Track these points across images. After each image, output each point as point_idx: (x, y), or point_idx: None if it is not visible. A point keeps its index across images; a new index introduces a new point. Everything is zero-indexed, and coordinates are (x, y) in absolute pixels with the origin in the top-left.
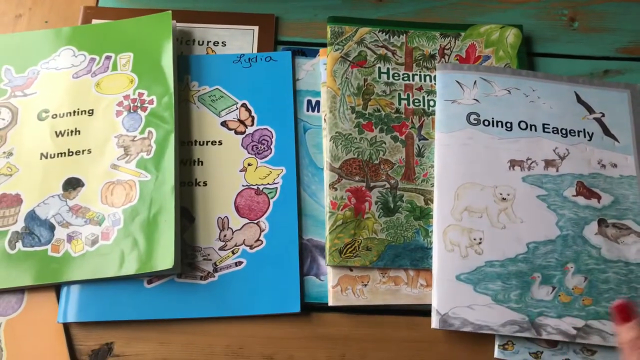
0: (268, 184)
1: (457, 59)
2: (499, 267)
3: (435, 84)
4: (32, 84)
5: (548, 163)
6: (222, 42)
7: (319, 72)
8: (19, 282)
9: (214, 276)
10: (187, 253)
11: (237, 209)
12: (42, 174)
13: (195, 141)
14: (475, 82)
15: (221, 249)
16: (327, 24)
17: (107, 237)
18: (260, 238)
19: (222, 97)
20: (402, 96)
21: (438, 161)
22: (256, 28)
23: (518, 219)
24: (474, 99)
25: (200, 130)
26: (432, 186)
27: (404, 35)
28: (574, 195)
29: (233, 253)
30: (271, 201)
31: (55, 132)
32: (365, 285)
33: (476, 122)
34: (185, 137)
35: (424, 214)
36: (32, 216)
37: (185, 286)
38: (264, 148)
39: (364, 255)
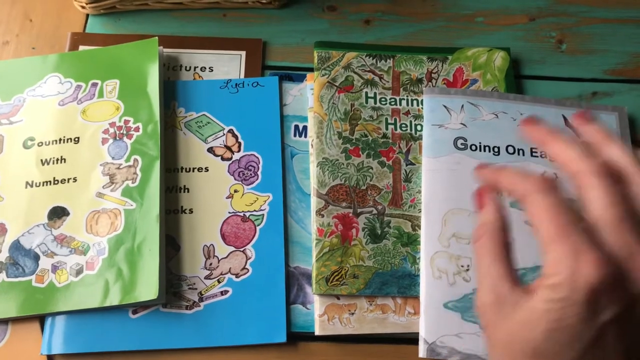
0: (254, 210)
1: (444, 83)
2: None
3: (422, 108)
4: (17, 111)
5: None
6: (209, 68)
7: (306, 97)
8: (3, 313)
9: (200, 305)
10: (173, 282)
11: (223, 236)
12: (27, 203)
13: (182, 168)
14: (462, 106)
15: (207, 277)
16: (314, 49)
17: (92, 267)
18: (246, 266)
19: (208, 123)
20: (389, 121)
21: (425, 186)
22: (243, 53)
23: None
24: (461, 124)
25: (186, 156)
26: (420, 212)
27: (391, 59)
28: None
29: (219, 282)
30: (257, 228)
31: (41, 160)
32: (353, 313)
33: (463, 146)
34: (172, 164)
35: (412, 240)
36: (16, 246)
37: (170, 316)
38: (251, 174)
39: (351, 284)
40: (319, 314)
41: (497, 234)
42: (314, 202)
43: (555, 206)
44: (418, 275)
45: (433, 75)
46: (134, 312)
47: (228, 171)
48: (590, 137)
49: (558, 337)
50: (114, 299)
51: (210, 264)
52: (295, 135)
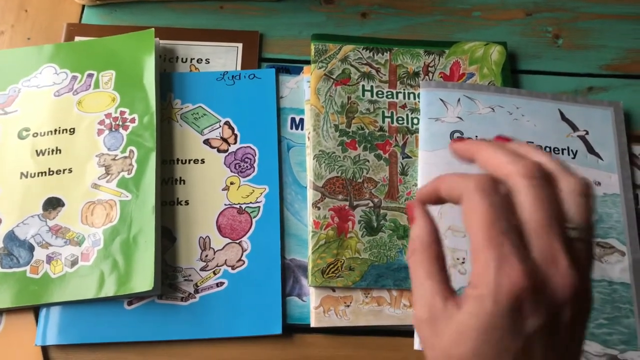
0: (250, 202)
1: (441, 77)
2: None
3: (419, 101)
4: (12, 102)
5: None
6: (206, 60)
7: (303, 89)
8: None
9: (195, 297)
10: (168, 274)
11: (219, 228)
12: (22, 194)
13: (178, 159)
14: (459, 100)
15: (202, 269)
16: (311, 42)
17: (87, 258)
18: (242, 258)
19: (205, 115)
20: (386, 114)
21: (422, 180)
22: (240, 45)
23: None
24: (458, 117)
25: (182, 148)
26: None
27: (388, 52)
28: None
29: (214, 273)
30: (254, 220)
31: (36, 151)
32: (348, 306)
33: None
34: (168, 156)
35: (408, 233)
36: (11, 237)
37: (165, 307)
38: (247, 166)
39: (347, 276)
40: (314, 306)
41: (429, 248)
42: (310, 195)
43: (486, 211)
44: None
45: (430, 68)
46: (129, 304)
47: (224, 163)
48: (517, 148)
49: (486, 351)
50: (109, 290)
51: (206, 256)
52: (291, 128)
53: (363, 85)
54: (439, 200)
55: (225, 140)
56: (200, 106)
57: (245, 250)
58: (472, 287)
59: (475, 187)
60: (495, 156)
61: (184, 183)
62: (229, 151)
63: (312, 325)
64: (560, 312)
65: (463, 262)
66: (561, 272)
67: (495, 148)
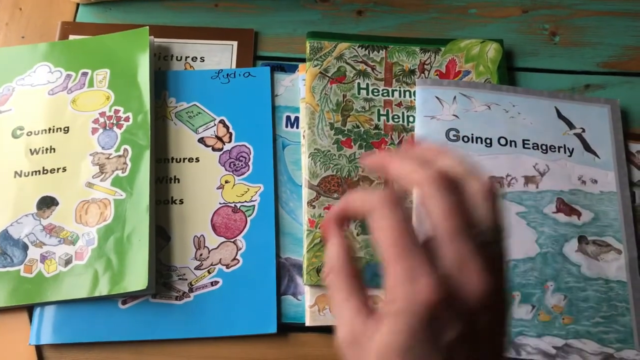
0: (245, 201)
1: (437, 74)
2: None
3: (414, 99)
4: (6, 100)
5: (528, 179)
6: (201, 58)
7: (298, 87)
8: None
9: (190, 296)
10: (162, 273)
11: (213, 227)
12: (15, 193)
13: (172, 158)
14: (454, 98)
15: (197, 268)
16: (306, 40)
17: (81, 257)
18: (236, 257)
19: (199, 113)
20: (382, 112)
21: None
22: (235, 43)
23: None
24: (454, 115)
25: (177, 147)
26: (411, 203)
27: (384, 50)
28: (554, 212)
29: (209, 272)
30: (248, 219)
31: (30, 150)
32: None
33: (455, 138)
34: (162, 154)
35: None
36: (4, 236)
37: (160, 306)
38: (242, 165)
39: None
40: (309, 304)
41: (345, 267)
42: (306, 193)
43: (394, 225)
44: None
45: (426, 66)
46: (124, 303)
47: (219, 162)
48: (424, 153)
49: None
50: (103, 289)
51: (201, 255)
52: (286, 126)
53: (358, 83)
54: (350, 216)
55: (220, 138)
56: (194, 104)
57: (240, 249)
58: (388, 302)
59: (382, 201)
60: (401, 166)
61: (178, 182)
62: (224, 150)
63: (307, 324)
64: (477, 318)
65: None
66: (473, 278)
67: (402, 158)
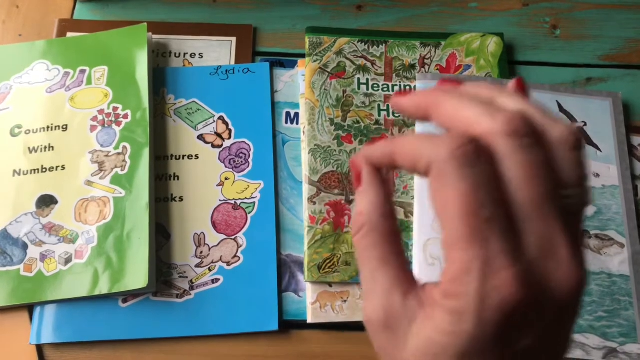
0: (246, 198)
1: (437, 69)
2: None
3: None
4: (4, 99)
5: None
6: (199, 54)
7: (298, 83)
8: None
9: (190, 294)
10: (163, 270)
11: (214, 224)
12: (14, 192)
13: (172, 155)
14: None
15: (197, 266)
16: (306, 35)
17: (81, 256)
18: (237, 254)
19: (198, 110)
20: (382, 107)
21: None
22: (234, 39)
23: None
24: None
25: (176, 144)
26: (412, 199)
27: (384, 45)
28: None
29: (210, 270)
30: (249, 216)
31: (29, 148)
32: (345, 301)
33: None
34: (161, 152)
35: (404, 227)
36: (4, 235)
37: (160, 305)
38: (242, 162)
39: (344, 271)
40: (311, 301)
41: (381, 224)
42: (306, 190)
43: (467, 192)
44: (411, 262)
45: (426, 61)
46: (124, 301)
47: (219, 158)
48: (479, 93)
49: None
50: (103, 288)
51: (201, 252)
52: (286, 122)
53: (358, 79)
54: (392, 167)
55: (219, 135)
56: (194, 101)
57: (241, 246)
58: (446, 295)
59: (450, 156)
60: (462, 109)
61: (178, 179)
62: (224, 146)
63: (309, 321)
64: (558, 322)
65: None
66: (563, 269)
67: (460, 98)
